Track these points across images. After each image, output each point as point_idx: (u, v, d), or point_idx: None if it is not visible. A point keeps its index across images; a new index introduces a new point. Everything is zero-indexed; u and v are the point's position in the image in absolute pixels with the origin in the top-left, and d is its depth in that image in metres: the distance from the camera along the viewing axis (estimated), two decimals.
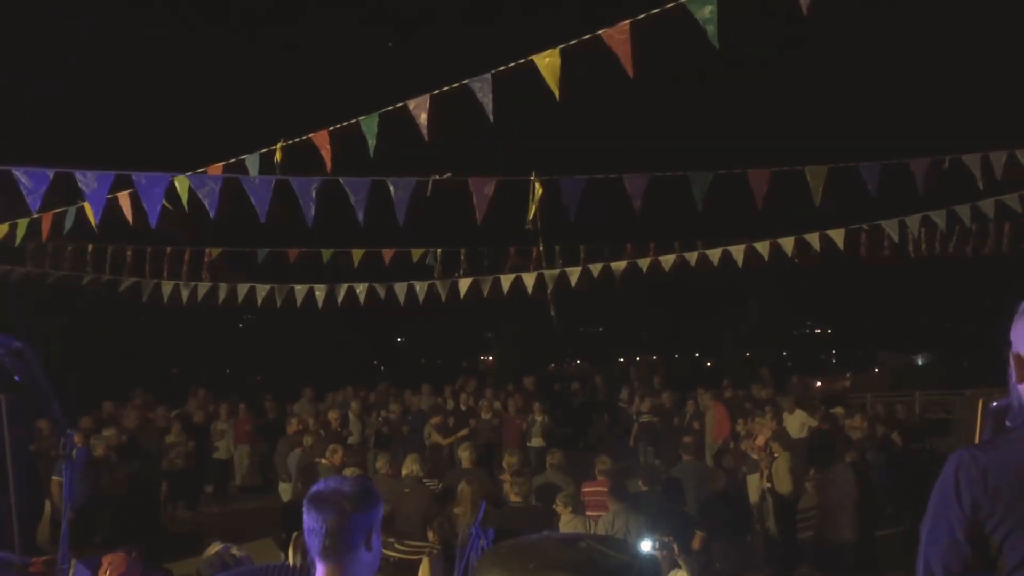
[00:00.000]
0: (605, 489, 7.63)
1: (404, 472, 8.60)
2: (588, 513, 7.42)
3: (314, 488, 2.34)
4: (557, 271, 11.06)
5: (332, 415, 13.67)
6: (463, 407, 15.36)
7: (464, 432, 13.94)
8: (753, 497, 10.38)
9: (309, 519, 2.28)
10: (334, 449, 9.46)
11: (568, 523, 6.74)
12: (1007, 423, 2.05)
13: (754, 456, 10.48)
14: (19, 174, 5.69)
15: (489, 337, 38.68)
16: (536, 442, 14.11)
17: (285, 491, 11.11)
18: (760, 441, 10.47)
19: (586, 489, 8.17)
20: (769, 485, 9.67)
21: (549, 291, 9.99)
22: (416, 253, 11.18)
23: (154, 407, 14.19)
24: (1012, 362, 1.99)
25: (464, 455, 9.21)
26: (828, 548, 8.69)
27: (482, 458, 10.81)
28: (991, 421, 2.15)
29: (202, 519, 12.96)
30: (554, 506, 7.02)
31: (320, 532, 2.24)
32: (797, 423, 11.89)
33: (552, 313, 9.76)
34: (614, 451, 11.88)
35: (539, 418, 14.33)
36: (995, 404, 2.16)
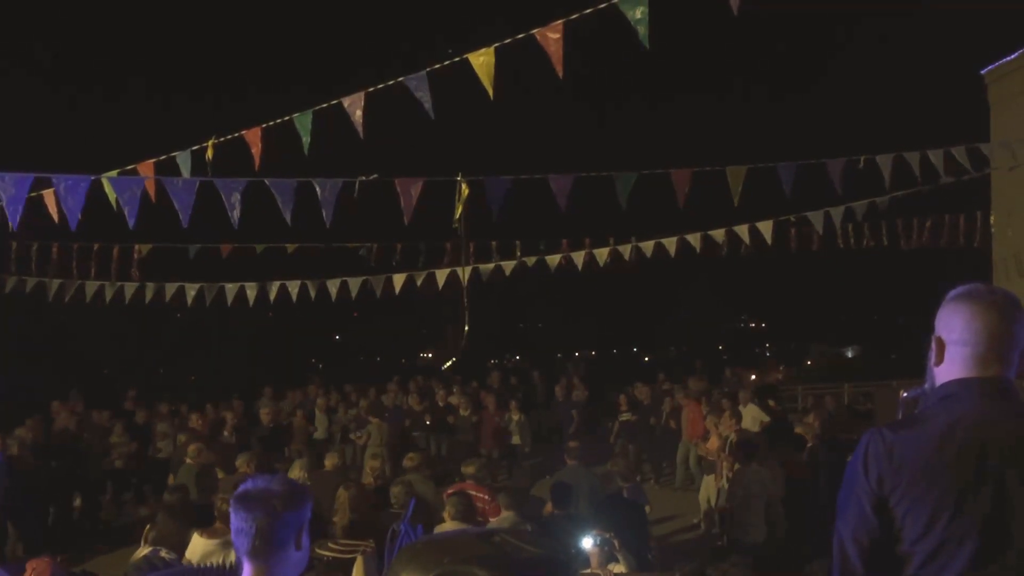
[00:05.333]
0: (478, 494, 7.08)
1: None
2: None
3: (241, 488, 2.26)
4: (470, 268, 11.04)
5: (228, 416, 12.70)
6: (441, 404, 15.05)
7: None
8: (703, 496, 10.33)
9: (237, 519, 2.20)
10: (197, 449, 8.98)
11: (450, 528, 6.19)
12: (916, 412, 2.13)
13: (710, 458, 10.30)
14: None
15: (425, 333, 38.67)
16: (516, 439, 13.98)
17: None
18: (713, 444, 10.27)
19: (450, 492, 7.26)
20: (725, 486, 9.33)
21: (464, 292, 9.88)
22: (351, 247, 11.13)
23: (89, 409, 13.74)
24: (933, 345, 2.08)
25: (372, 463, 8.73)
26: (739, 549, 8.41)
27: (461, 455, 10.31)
28: (902, 410, 2.23)
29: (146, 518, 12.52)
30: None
31: (249, 532, 2.18)
32: (749, 418, 11.46)
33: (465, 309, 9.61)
34: (596, 449, 11.72)
35: (515, 416, 14.06)
36: (905, 394, 2.25)
